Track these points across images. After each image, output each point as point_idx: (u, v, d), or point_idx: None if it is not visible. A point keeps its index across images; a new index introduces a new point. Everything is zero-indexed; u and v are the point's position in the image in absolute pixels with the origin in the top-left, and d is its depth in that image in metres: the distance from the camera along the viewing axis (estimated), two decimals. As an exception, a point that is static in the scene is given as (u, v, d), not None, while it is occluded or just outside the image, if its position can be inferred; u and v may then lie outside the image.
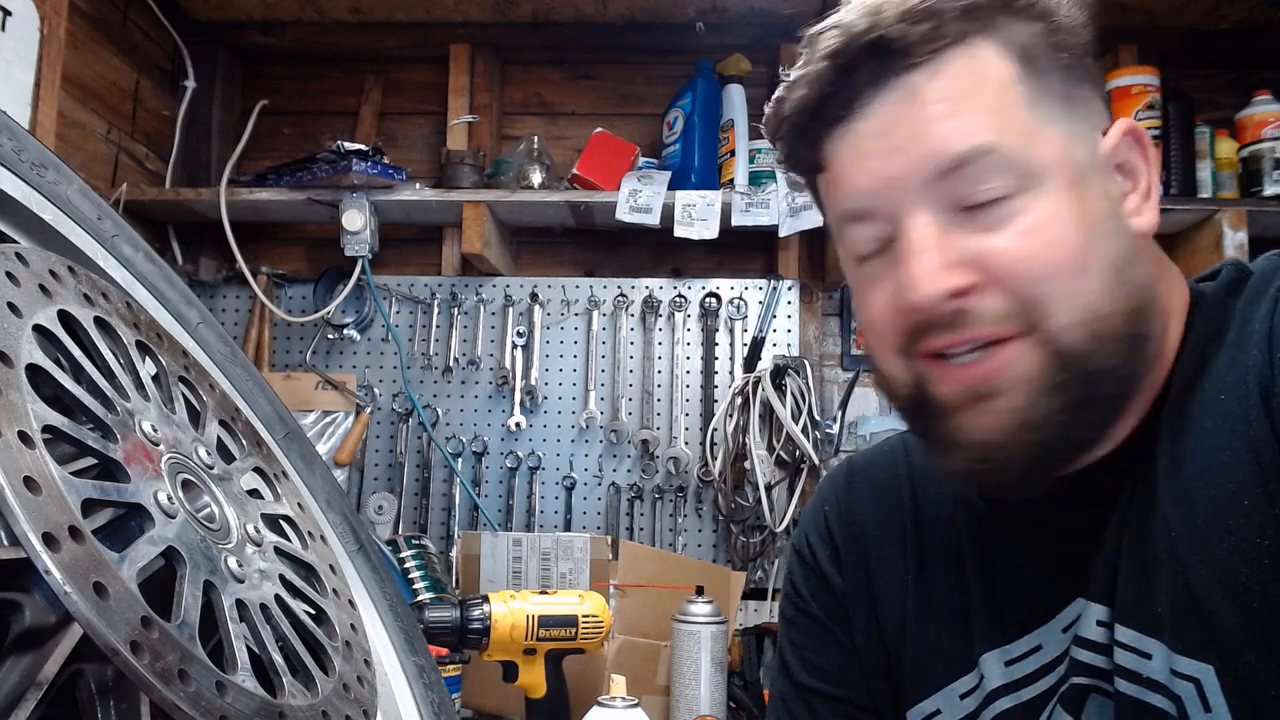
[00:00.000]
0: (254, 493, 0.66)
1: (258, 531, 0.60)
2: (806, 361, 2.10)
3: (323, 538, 0.74)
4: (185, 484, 0.55)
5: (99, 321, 0.57)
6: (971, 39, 0.62)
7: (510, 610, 1.33)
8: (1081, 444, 0.64)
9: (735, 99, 2.13)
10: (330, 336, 2.22)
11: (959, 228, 0.62)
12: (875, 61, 0.62)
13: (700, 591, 1.57)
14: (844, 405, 2.09)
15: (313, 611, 0.62)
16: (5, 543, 0.45)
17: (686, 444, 2.15)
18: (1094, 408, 0.62)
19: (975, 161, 0.60)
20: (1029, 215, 0.61)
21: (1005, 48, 0.63)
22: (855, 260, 0.69)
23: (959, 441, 0.64)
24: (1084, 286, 0.61)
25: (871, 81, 0.63)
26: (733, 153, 2.09)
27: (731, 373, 2.17)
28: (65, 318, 0.54)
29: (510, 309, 2.22)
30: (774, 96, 0.70)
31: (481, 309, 2.23)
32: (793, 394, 2.04)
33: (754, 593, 2.04)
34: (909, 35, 0.61)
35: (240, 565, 0.55)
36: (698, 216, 2.02)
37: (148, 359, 0.62)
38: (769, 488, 2.00)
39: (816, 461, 1.99)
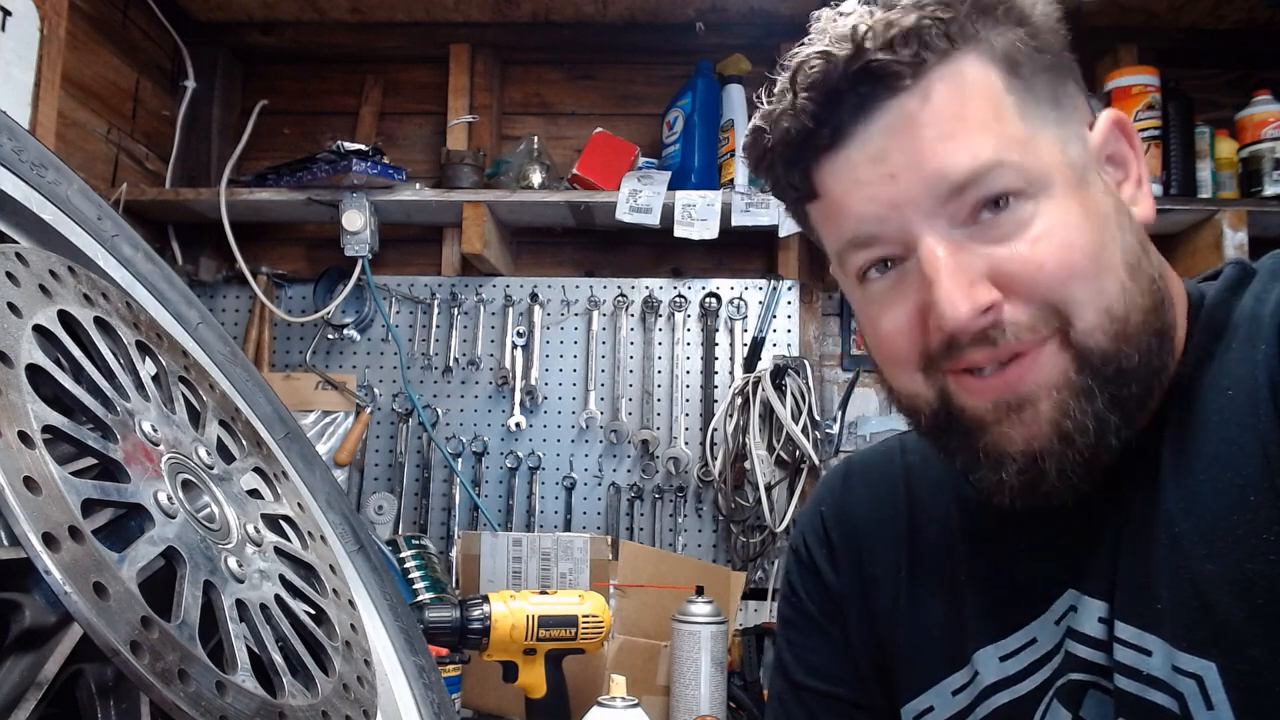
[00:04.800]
0: (254, 493, 0.66)
1: (258, 531, 0.61)
2: (806, 361, 2.10)
3: (323, 538, 0.74)
4: (185, 484, 0.55)
5: (99, 321, 0.57)
6: (953, 53, 0.62)
7: (510, 610, 1.33)
8: (1117, 443, 0.62)
9: (735, 99, 2.13)
10: (330, 336, 2.22)
11: (971, 242, 0.61)
12: (862, 88, 0.62)
13: (700, 591, 1.57)
14: (844, 405, 2.10)
15: (313, 611, 0.62)
16: (5, 543, 0.45)
17: (686, 444, 2.15)
18: (1123, 407, 0.62)
19: (981, 179, 0.60)
20: (1039, 222, 0.61)
21: (988, 58, 0.63)
22: (857, 281, 0.68)
23: (997, 454, 0.63)
24: (1103, 286, 0.61)
25: (860, 108, 0.63)
26: (733, 153, 2.09)
27: (731, 373, 2.17)
28: (65, 318, 0.54)
29: (510, 309, 2.22)
30: (752, 126, 0.69)
31: (481, 309, 2.23)
32: (793, 394, 2.04)
33: (754, 593, 2.04)
34: (895, 61, 0.61)
35: (240, 565, 0.55)
36: (698, 216, 2.02)
37: (148, 359, 0.62)
38: (769, 488, 2.00)
39: (816, 461, 1.99)
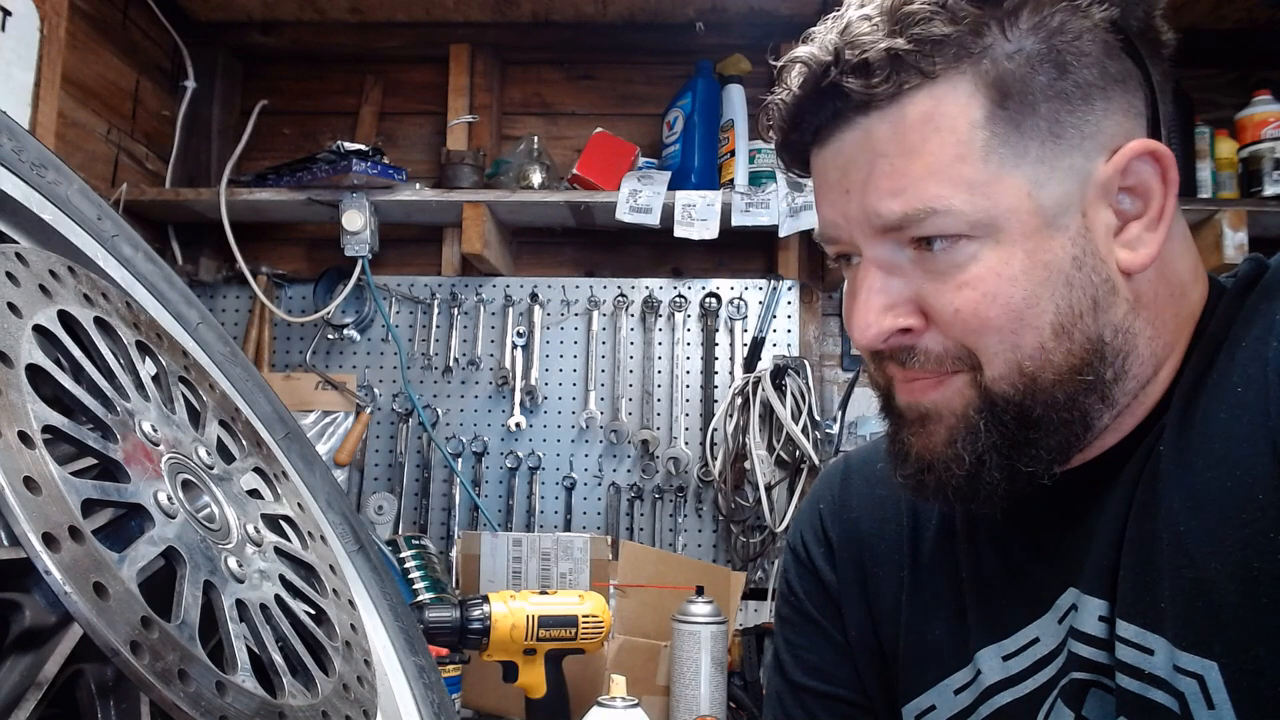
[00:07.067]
0: (254, 493, 0.66)
1: (258, 532, 0.60)
2: (806, 361, 2.10)
3: (323, 538, 0.74)
4: (185, 484, 0.55)
5: (99, 322, 0.57)
6: (944, 74, 0.60)
7: (510, 610, 1.33)
8: (1031, 474, 0.65)
9: (735, 99, 2.13)
10: (330, 336, 2.22)
11: (911, 265, 0.64)
12: (837, 102, 0.64)
13: (700, 591, 1.57)
14: (844, 405, 2.09)
15: (313, 612, 0.62)
16: (5, 543, 0.45)
17: (686, 444, 2.15)
18: (1034, 447, 0.64)
19: (913, 224, 0.62)
20: (974, 267, 0.61)
21: (980, 82, 0.60)
22: (840, 263, 0.72)
23: (904, 452, 0.69)
24: (1019, 342, 0.62)
25: (835, 116, 0.65)
26: (733, 153, 2.09)
27: (731, 373, 2.17)
28: (65, 318, 0.54)
29: (510, 309, 2.22)
30: (766, 102, 0.72)
31: (481, 309, 2.23)
32: (793, 394, 2.04)
33: (754, 593, 2.04)
34: (866, 87, 0.61)
35: (240, 565, 0.55)
36: (698, 216, 2.02)
37: (148, 359, 0.62)
38: (769, 488, 2.00)
39: (816, 461, 1.99)
